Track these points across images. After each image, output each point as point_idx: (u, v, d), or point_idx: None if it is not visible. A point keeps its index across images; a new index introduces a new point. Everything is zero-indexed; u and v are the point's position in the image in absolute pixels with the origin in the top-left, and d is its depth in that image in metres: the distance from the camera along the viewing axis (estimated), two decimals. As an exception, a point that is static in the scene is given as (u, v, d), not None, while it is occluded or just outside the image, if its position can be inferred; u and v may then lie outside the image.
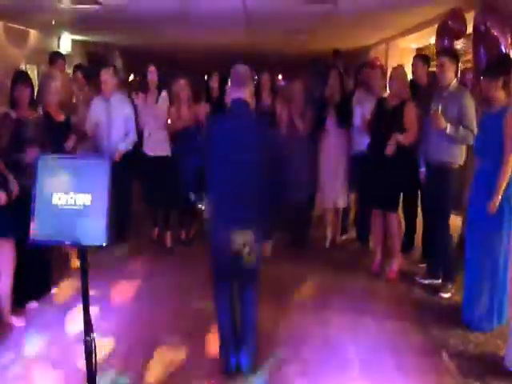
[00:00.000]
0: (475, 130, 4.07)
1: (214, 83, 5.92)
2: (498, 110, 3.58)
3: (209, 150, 2.99)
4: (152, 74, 5.42)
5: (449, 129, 4.08)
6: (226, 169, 2.96)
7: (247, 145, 2.95)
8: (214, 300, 3.23)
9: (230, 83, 3.10)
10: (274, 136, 3.41)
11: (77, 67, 6.09)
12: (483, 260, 3.70)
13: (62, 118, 4.53)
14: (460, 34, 5.30)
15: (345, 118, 5.24)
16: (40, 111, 4.13)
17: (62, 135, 4.36)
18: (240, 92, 3.03)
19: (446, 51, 4.41)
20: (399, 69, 4.75)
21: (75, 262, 4.69)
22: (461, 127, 4.08)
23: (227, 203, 2.99)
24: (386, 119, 4.53)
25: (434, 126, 4.15)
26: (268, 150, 3.00)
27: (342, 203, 5.49)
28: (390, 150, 4.43)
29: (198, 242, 5.47)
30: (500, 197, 3.50)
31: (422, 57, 5.44)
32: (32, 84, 4.10)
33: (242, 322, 3.18)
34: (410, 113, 4.46)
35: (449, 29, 5.38)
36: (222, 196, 3.02)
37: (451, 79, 4.25)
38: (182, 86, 5.33)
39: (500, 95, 3.58)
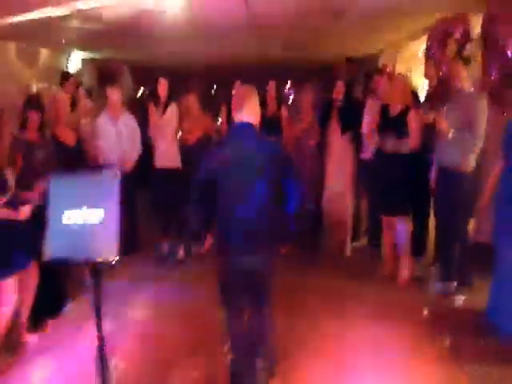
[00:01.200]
0: (482, 136, 4.06)
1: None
2: None
3: (211, 182, 2.88)
4: (162, 86, 5.40)
5: (451, 134, 4.09)
6: (233, 197, 2.88)
7: (253, 168, 2.84)
8: (226, 315, 3.14)
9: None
10: (282, 154, 3.15)
11: (79, 85, 6.54)
12: None
13: (72, 142, 4.51)
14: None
15: (348, 124, 5.23)
16: (48, 135, 4.12)
17: (75, 161, 4.35)
18: (239, 114, 2.95)
19: (460, 56, 4.47)
20: (398, 77, 4.86)
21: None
22: (466, 133, 4.06)
23: (237, 230, 2.92)
24: (390, 125, 4.54)
25: (438, 131, 4.17)
26: (277, 171, 2.89)
27: (347, 211, 5.46)
28: (386, 146, 4.49)
29: (211, 256, 5.44)
30: None
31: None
32: (43, 108, 4.12)
33: (256, 337, 3.07)
34: (413, 120, 4.46)
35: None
36: (231, 224, 2.93)
37: (465, 83, 4.26)
38: (190, 101, 5.36)
39: None
